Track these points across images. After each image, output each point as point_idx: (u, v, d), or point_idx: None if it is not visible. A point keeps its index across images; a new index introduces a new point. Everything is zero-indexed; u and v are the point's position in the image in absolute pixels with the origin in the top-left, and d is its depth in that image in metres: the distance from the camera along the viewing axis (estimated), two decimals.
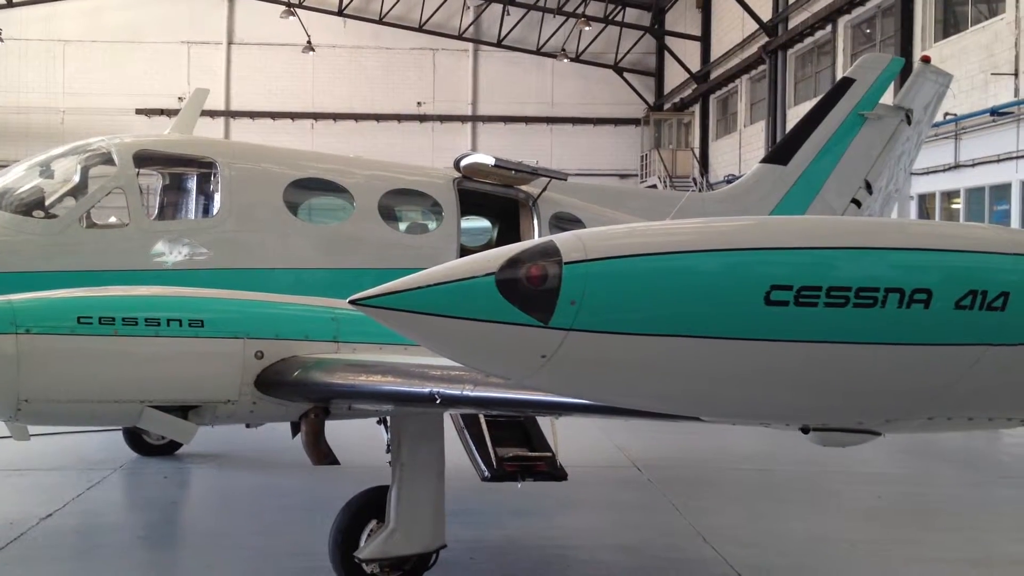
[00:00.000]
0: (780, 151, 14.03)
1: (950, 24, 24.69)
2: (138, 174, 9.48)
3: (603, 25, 45.79)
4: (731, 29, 39.10)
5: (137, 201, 9.31)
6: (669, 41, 45.45)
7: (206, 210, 9.91)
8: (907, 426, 3.30)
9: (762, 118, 35.59)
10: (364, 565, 5.68)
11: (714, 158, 42.19)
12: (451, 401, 4.64)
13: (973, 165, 22.57)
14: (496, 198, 11.30)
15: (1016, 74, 21.07)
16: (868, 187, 13.63)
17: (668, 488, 9.00)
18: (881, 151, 13.71)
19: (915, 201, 24.80)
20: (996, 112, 21.36)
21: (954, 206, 23.72)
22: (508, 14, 45.53)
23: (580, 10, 44.77)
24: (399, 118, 46.30)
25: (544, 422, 5.87)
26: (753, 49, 36.04)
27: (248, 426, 5.97)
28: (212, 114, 42.43)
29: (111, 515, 7.98)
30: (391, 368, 5.16)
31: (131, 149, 9.55)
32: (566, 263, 2.78)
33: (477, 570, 6.50)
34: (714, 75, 41.09)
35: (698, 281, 2.82)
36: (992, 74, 21.74)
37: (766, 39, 34.53)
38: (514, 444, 5.78)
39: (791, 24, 33.13)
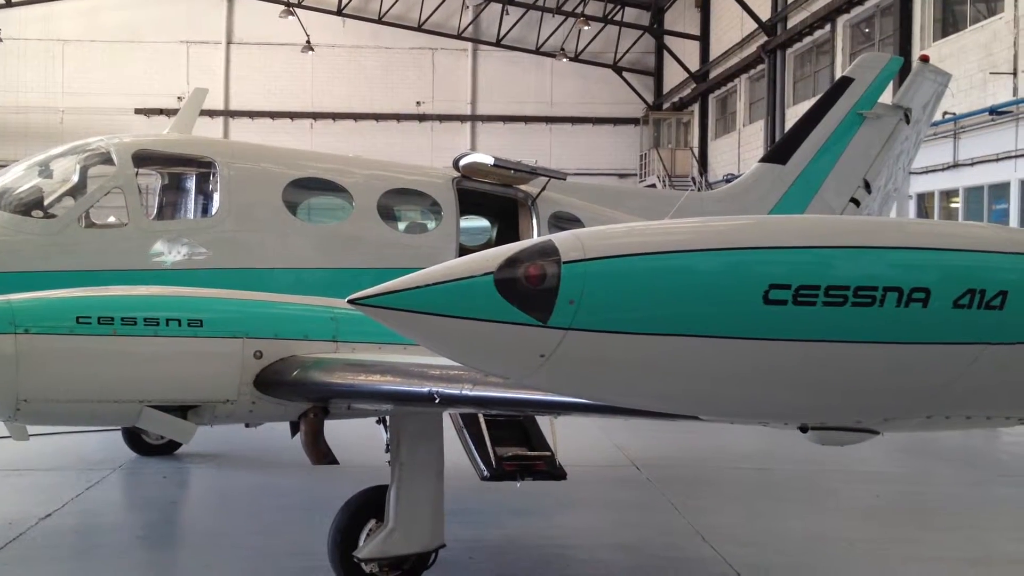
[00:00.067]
0: (779, 150, 14.04)
1: (949, 23, 24.70)
2: (137, 174, 9.47)
3: (602, 24, 45.79)
4: (730, 28, 39.11)
5: (136, 201, 9.30)
6: (668, 40, 45.45)
7: (205, 210, 9.90)
8: (905, 425, 3.30)
9: (761, 117, 35.60)
10: (363, 565, 5.68)
11: (713, 157, 42.19)
12: (450, 400, 4.65)
13: (972, 164, 22.58)
14: (495, 198, 11.30)
15: (1015, 73, 21.08)
16: (867, 186, 13.63)
17: (667, 487, 9.01)
18: (880, 150, 13.72)
19: (914, 200, 24.82)
20: (995, 111, 21.37)
21: (953, 205, 23.73)
22: (507, 13, 45.53)
23: (579, 9, 44.77)
24: (398, 117, 46.29)
25: (543, 421, 5.88)
26: (752, 48, 36.05)
27: (247, 426, 5.97)
28: (211, 114, 42.41)
29: (110, 515, 7.98)
30: (390, 368, 5.16)
31: (130, 149, 9.54)
32: (565, 262, 2.79)
33: (476, 569, 6.51)
34: (713, 74, 41.10)
35: (697, 280, 2.82)
36: (991, 73, 21.76)
37: (765, 38, 34.54)
38: (513, 443, 5.78)
39: (790, 23, 33.14)
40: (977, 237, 3.02)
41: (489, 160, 10.71)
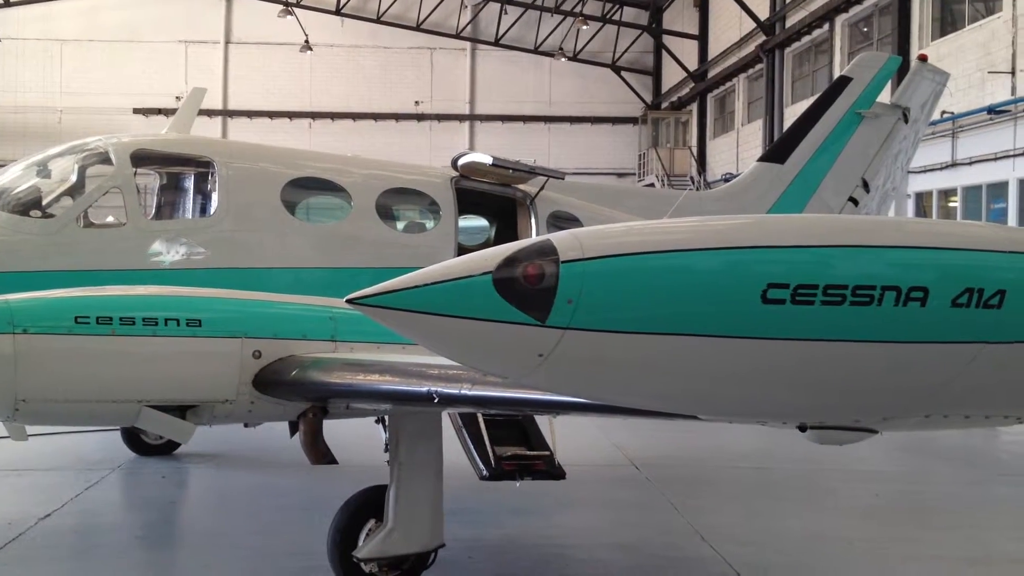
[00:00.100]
0: (777, 150, 14.04)
1: (947, 22, 24.72)
2: (135, 173, 9.47)
3: (601, 24, 45.78)
4: (728, 28, 39.11)
5: (134, 200, 9.29)
6: (667, 40, 45.45)
7: (203, 209, 9.90)
8: (904, 424, 3.30)
9: (759, 117, 35.61)
10: (362, 564, 5.68)
11: (712, 157, 42.20)
12: (449, 400, 4.65)
13: (970, 163, 22.59)
14: (494, 197, 11.30)
15: (1013, 72, 21.09)
16: (865, 185, 13.64)
17: (666, 486, 9.01)
18: (878, 149, 13.72)
19: (912, 199, 24.83)
20: (993, 110, 21.38)
21: (951, 204, 23.75)
22: (506, 13, 45.52)
23: (578, 9, 44.76)
24: (397, 117, 46.28)
25: (542, 421, 5.88)
26: (750, 48, 36.05)
27: (246, 425, 5.97)
28: (210, 113, 42.40)
29: (109, 515, 7.97)
30: (389, 367, 5.16)
31: (128, 148, 9.54)
32: (563, 262, 2.79)
33: (475, 569, 6.51)
34: (712, 74, 41.10)
35: (695, 279, 2.82)
36: (989, 72, 21.77)
37: (763, 38, 34.55)
38: (512, 443, 5.79)
39: (788, 23, 33.14)
40: (975, 236, 3.02)
41: (487, 159, 10.71)
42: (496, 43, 46.77)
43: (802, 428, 3.27)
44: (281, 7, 44.47)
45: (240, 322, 5.40)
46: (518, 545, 7.12)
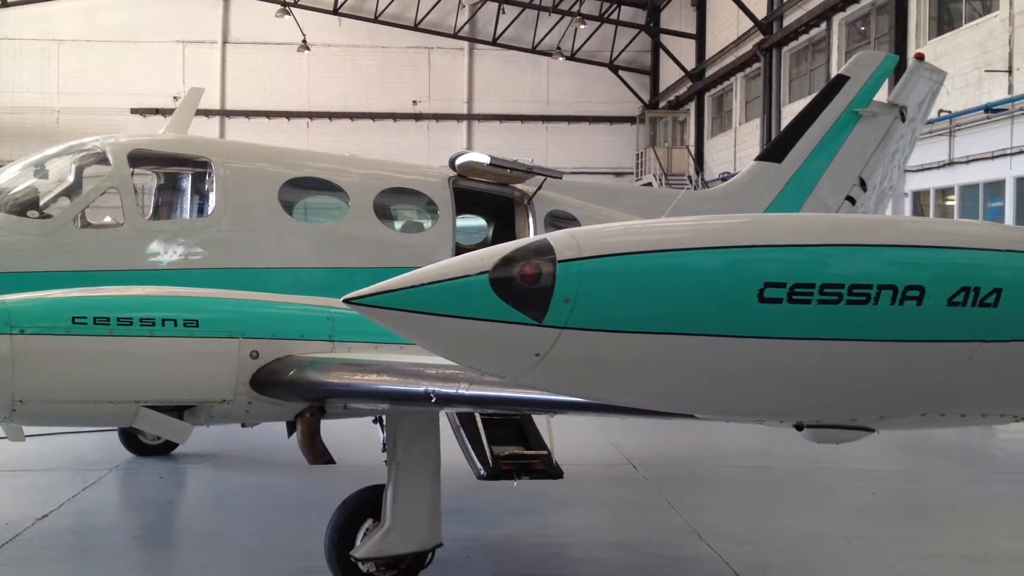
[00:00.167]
0: (775, 149, 14.05)
1: (944, 21, 24.74)
2: (133, 174, 9.46)
3: (598, 23, 45.78)
4: (726, 27, 39.12)
5: (132, 201, 9.29)
6: (664, 39, 45.45)
7: (201, 209, 9.89)
8: (901, 423, 3.31)
9: (757, 116, 35.62)
10: (360, 564, 5.68)
11: (709, 156, 42.21)
12: (446, 400, 4.65)
13: (967, 162, 22.61)
14: (491, 197, 11.30)
15: (1010, 71, 21.11)
16: (862, 184, 13.65)
17: (664, 485, 9.01)
18: (875, 148, 13.74)
19: (909, 198, 24.85)
20: (990, 109, 21.40)
21: (948, 203, 23.77)
22: (503, 12, 45.51)
23: (575, 8, 44.77)
24: (394, 117, 46.27)
25: (540, 420, 5.88)
26: (748, 47, 36.07)
27: (244, 426, 5.97)
28: (207, 113, 42.38)
29: (107, 515, 7.97)
30: (386, 367, 5.16)
31: (126, 149, 9.53)
32: (560, 261, 2.79)
33: (473, 569, 6.51)
34: (709, 73, 41.11)
35: (692, 279, 2.83)
36: (986, 71, 21.79)
37: (761, 37, 34.57)
38: (510, 442, 5.79)
39: (786, 22, 33.16)
40: (972, 235, 3.03)
41: (485, 159, 10.71)
42: (494, 42, 46.77)
43: (799, 427, 3.27)
44: (278, 7, 44.45)
45: (237, 322, 5.40)
46: (516, 544, 7.12)
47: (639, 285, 2.81)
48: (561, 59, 46.64)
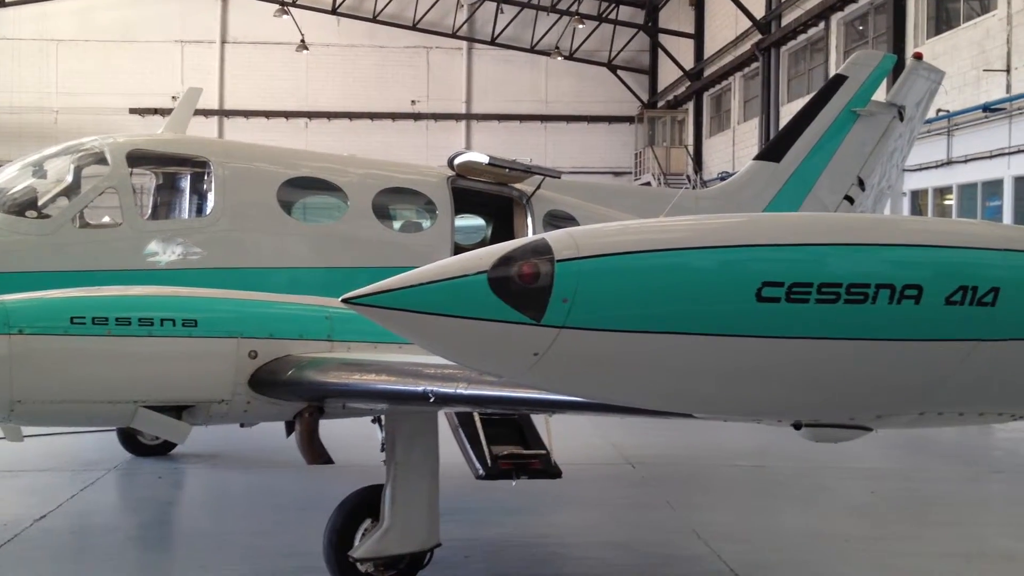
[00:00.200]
0: (773, 148, 14.06)
1: (942, 21, 24.75)
2: (131, 173, 9.46)
3: (597, 23, 45.79)
4: (724, 26, 39.14)
5: (130, 201, 9.29)
6: (663, 39, 45.47)
7: (199, 209, 9.89)
8: (898, 421, 3.31)
9: (756, 115, 35.63)
10: (358, 564, 5.67)
11: (708, 155, 42.22)
12: (445, 399, 4.65)
13: (965, 161, 22.63)
14: (490, 196, 11.31)
15: (1008, 70, 21.13)
16: (861, 184, 13.66)
17: (662, 485, 9.02)
18: (874, 148, 13.75)
19: (908, 197, 24.86)
20: (988, 108, 21.42)
21: (947, 202, 23.79)
22: (502, 12, 45.51)
23: (574, 8, 44.77)
24: (393, 116, 46.26)
25: (538, 420, 5.88)
26: (746, 46, 36.08)
27: (242, 426, 5.97)
28: (206, 113, 42.38)
29: (105, 516, 7.97)
30: (385, 367, 5.16)
31: (124, 148, 9.53)
32: (558, 261, 2.79)
33: (472, 569, 6.51)
34: (708, 72, 41.12)
35: (690, 278, 2.83)
36: (984, 70, 21.81)
37: (759, 36, 34.58)
38: (508, 442, 5.78)
39: (784, 21, 33.18)
40: (969, 234, 3.03)
41: (484, 159, 10.71)
42: (492, 42, 46.77)
43: (797, 426, 3.28)
44: (277, 7, 44.44)
45: (236, 322, 5.40)
46: (514, 544, 7.12)
47: (637, 285, 2.81)
48: (560, 59, 46.65)
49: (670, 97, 45.49)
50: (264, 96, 45.57)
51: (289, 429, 5.87)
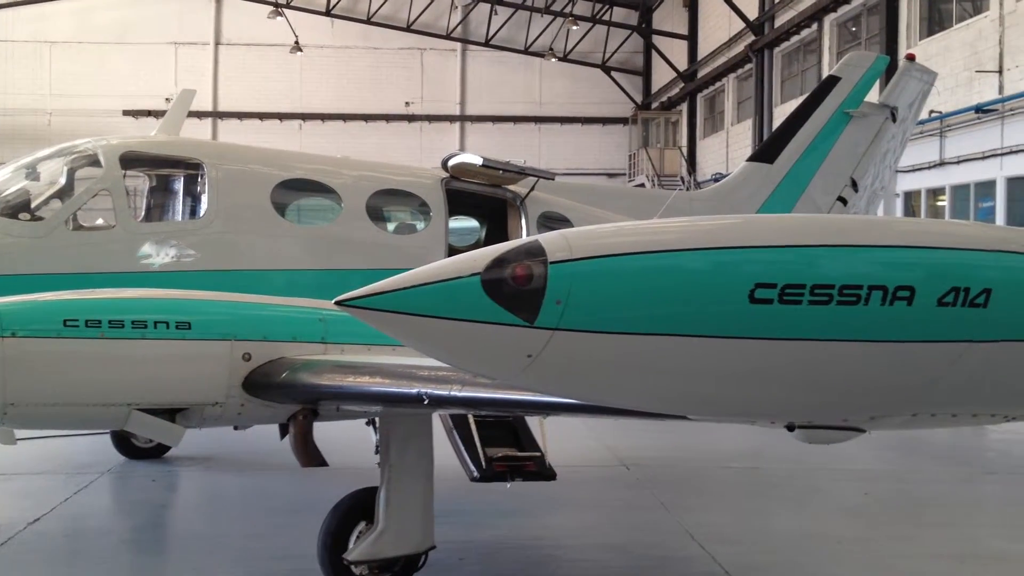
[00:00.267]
0: (766, 149, 14.08)
1: (935, 22, 24.82)
2: (125, 176, 9.45)
3: (590, 24, 45.85)
4: (718, 28, 39.21)
5: (124, 203, 9.27)
6: (656, 40, 45.53)
7: (193, 211, 9.88)
8: (891, 423, 3.32)
9: (749, 116, 35.69)
10: (353, 567, 5.66)
11: (701, 157, 42.28)
12: (439, 402, 4.65)
13: (958, 162, 22.69)
14: (484, 198, 11.31)
15: (1000, 71, 21.19)
16: (854, 185, 13.69)
17: (656, 487, 9.02)
18: (867, 149, 13.78)
19: (901, 198, 24.92)
20: (981, 109, 21.47)
21: (939, 203, 23.85)
22: (496, 14, 45.54)
23: (567, 9, 44.81)
24: (387, 118, 46.25)
25: (533, 422, 5.88)
26: (740, 48, 36.15)
27: (236, 428, 5.96)
28: (200, 115, 42.32)
29: (99, 519, 7.95)
30: (379, 369, 5.16)
31: (117, 151, 9.51)
32: (551, 263, 2.79)
33: (466, 571, 6.51)
34: (701, 74, 41.19)
35: (683, 280, 2.83)
36: (977, 71, 21.87)
37: (752, 38, 34.64)
38: (503, 444, 5.79)
39: (777, 23, 33.24)
40: (961, 235, 3.04)
41: (478, 160, 10.71)
42: (486, 44, 46.79)
43: (790, 427, 3.28)
44: (271, 8, 44.42)
45: (230, 324, 5.40)
46: (509, 546, 7.12)
47: (631, 286, 2.81)
48: (553, 60, 46.68)
49: (664, 98, 45.55)
50: (258, 98, 45.53)
51: (283, 431, 5.87)
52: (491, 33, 46.32)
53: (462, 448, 5.69)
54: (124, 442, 9.80)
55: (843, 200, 13.59)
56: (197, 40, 45.70)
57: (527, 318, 2.78)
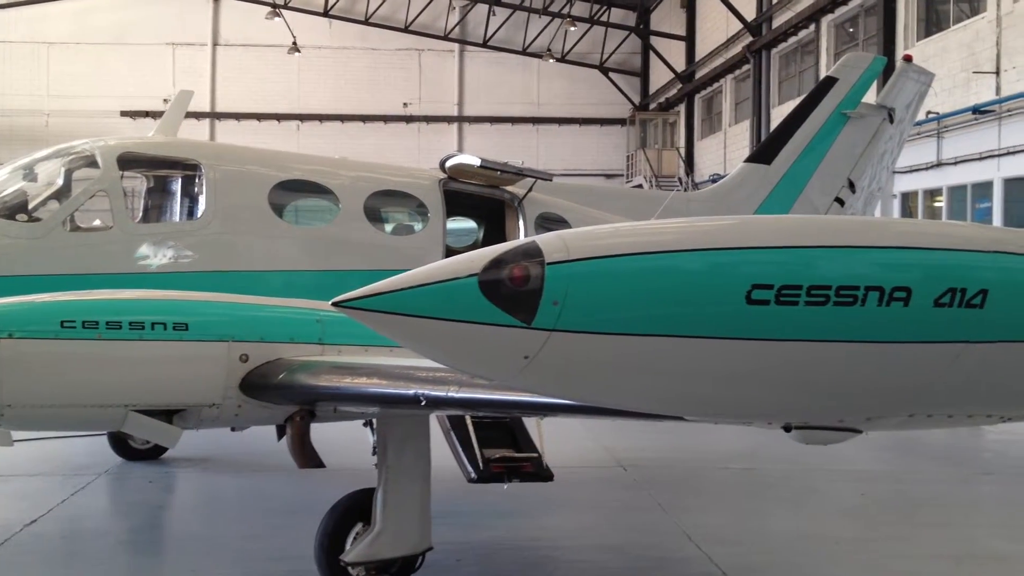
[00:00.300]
0: (764, 150, 14.10)
1: (932, 23, 24.85)
2: (122, 176, 9.44)
3: (588, 25, 45.87)
4: (715, 29, 39.24)
5: (121, 204, 9.27)
6: (654, 41, 45.57)
7: (191, 212, 9.88)
8: (888, 424, 3.32)
9: (747, 117, 35.73)
10: (350, 568, 5.66)
11: (699, 158, 42.31)
12: (436, 403, 4.65)
13: (955, 163, 22.71)
14: (482, 199, 11.31)
15: (997, 72, 21.22)
16: (851, 186, 13.71)
17: (653, 488, 9.03)
18: (864, 150, 13.80)
19: (898, 199, 24.95)
20: (978, 110, 21.50)
21: (936, 204, 23.87)
22: (494, 14, 45.55)
23: (565, 10, 44.83)
24: (385, 119, 46.25)
25: (530, 423, 5.88)
26: (737, 49, 36.18)
27: (233, 429, 5.96)
28: (197, 116, 42.29)
29: (96, 520, 7.94)
30: (376, 370, 5.15)
31: (115, 151, 9.51)
32: (548, 264, 2.79)
33: (463, 572, 6.50)
34: (699, 75, 41.22)
35: (680, 281, 2.83)
36: (974, 72, 21.90)
37: (750, 39, 34.68)
38: (500, 445, 5.78)
39: (775, 23, 33.28)
40: (958, 236, 3.04)
41: (476, 161, 10.71)
42: (484, 44, 46.79)
43: (787, 428, 3.29)
44: (269, 9, 44.40)
45: (227, 326, 5.39)
46: (506, 547, 7.12)
47: (627, 287, 2.82)
48: (551, 61, 46.69)
49: (661, 99, 45.58)
50: (256, 98, 45.50)
51: (280, 433, 5.87)
52: (489, 34, 46.32)
53: (459, 449, 5.69)
54: (121, 443, 9.79)
55: (840, 201, 13.61)
56: (195, 41, 45.69)
57: (524, 319, 2.79)
